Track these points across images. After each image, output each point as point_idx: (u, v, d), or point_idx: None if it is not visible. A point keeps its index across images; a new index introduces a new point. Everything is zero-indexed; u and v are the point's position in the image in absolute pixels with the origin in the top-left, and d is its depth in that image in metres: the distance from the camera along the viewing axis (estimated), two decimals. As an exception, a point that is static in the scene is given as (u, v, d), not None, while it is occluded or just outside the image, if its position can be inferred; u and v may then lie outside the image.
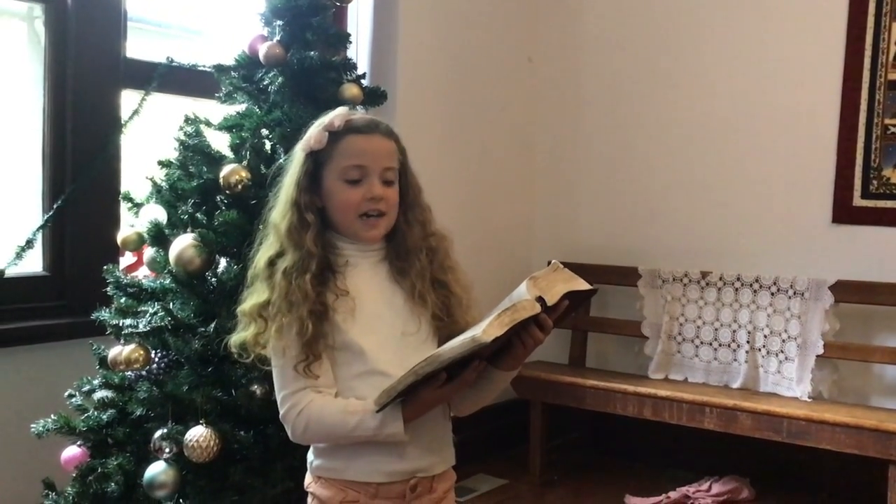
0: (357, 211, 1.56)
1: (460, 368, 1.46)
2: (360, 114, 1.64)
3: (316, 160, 1.58)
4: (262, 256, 1.58)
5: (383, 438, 1.50)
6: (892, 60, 3.25)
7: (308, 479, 1.63)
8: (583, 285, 1.50)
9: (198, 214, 2.11)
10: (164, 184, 2.18)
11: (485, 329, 1.35)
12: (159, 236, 2.11)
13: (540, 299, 1.42)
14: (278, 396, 1.55)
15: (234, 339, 1.58)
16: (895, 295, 3.12)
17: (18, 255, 2.42)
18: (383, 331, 1.56)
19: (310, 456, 1.63)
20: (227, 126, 2.19)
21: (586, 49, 3.93)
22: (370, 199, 1.55)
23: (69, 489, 2.05)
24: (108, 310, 2.14)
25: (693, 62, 3.66)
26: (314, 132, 1.58)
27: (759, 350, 3.30)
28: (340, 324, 1.53)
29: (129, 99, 2.65)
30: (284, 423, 1.55)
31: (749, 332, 3.33)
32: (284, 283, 1.52)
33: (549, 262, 1.54)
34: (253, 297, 1.56)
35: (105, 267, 2.17)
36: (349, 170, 1.56)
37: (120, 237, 2.23)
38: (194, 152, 2.16)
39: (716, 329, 3.41)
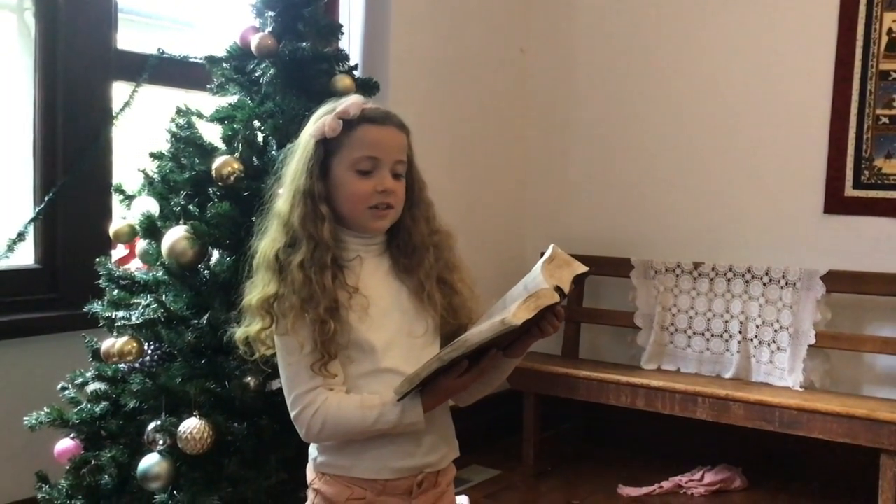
0: (367, 203, 1.52)
1: (476, 358, 1.46)
2: (372, 104, 1.59)
3: (326, 148, 1.53)
4: (268, 247, 1.52)
5: (403, 429, 1.48)
6: (884, 50, 3.25)
7: (311, 475, 1.60)
8: (581, 268, 1.50)
9: (190, 206, 2.10)
10: (156, 176, 2.18)
11: (514, 313, 1.36)
12: (151, 228, 2.11)
13: (557, 288, 1.43)
14: (289, 396, 1.51)
15: (239, 334, 1.54)
16: (886, 285, 3.14)
17: (10, 248, 2.42)
18: (392, 328, 1.53)
19: (313, 452, 1.59)
20: (219, 117, 2.19)
21: (578, 40, 3.92)
22: (381, 192, 1.52)
23: (63, 482, 2.05)
24: (100, 302, 2.14)
25: (684, 53, 3.66)
26: (328, 120, 1.52)
27: (751, 340, 3.31)
28: (354, 322, 1.50)
29: (120, 91, 2.64)
30: (297, 424, 1.51)
31: (741, 323, 3.34)
32: (301, 277, 1.47)
33: (551, 247, 1.53)
34: (258, 290, 1.51)
35: (97, 259, 2.16)
36: (362, 160, 1.52)
37: (112, 229, 2.22)
38: (186, 144, 2.15)
39: (708, 319, 3.42)
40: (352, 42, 3.29)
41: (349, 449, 1.53)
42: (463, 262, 1.65)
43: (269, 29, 2.24)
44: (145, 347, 2.03)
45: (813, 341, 3.17)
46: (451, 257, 1.63)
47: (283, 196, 1.55)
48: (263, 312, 1.50)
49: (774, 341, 3.25)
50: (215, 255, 2.08)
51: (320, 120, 1.54)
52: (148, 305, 2.03)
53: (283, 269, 1.50)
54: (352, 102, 1.54)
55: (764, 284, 3.31)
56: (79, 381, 2.15)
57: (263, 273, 1.52)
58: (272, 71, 2.20)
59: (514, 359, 1.57)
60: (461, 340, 1.41)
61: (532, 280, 1.46)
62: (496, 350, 1.48)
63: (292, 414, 1.51)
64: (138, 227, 2.13)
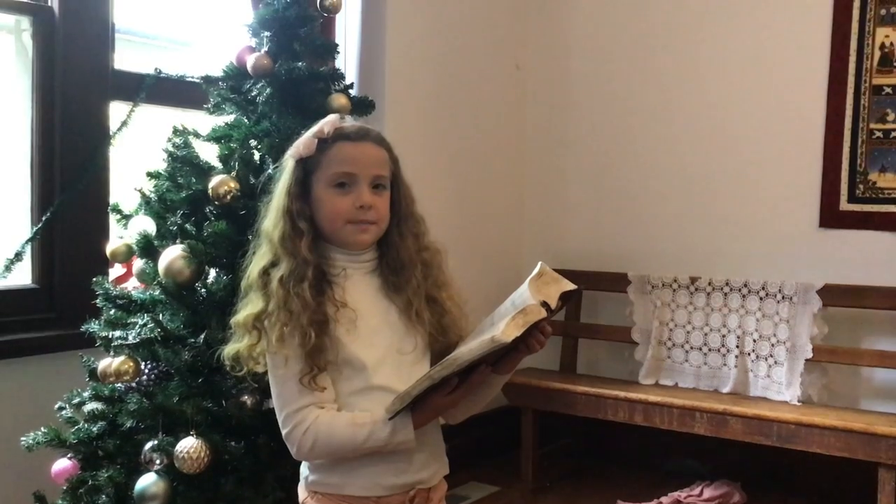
0: (346, 219, 1.53)
1: (466, 374, 1.46)
2: (351, 122, 1.62)
3: (305, 168, 1.56)
4: (255, 266, 1.55)
5: (393, 447, 1.49)
6: (877, 65, 3.27)
7: (302, 494, 1.60)
8: (569, 286, 1.51)
9: (187, 225, 2.11)
10: (152, 195, 2.18)
11: (503, 330, 1.37)
12: (148, 248, 2.11)
13: (544, 304, 1.44)
14: (280, 415, 1.51)
15: (228, 350, 1.55)
16: (882, 298, 3.15)
17: (7, 268, 2.42)
18: (382, 346, 1.54)
19: (304, 470, 1.60)
20: (216, 137, 2.20)
21: (573, 56, 3.95)
22: (359, 208, 1.53)
23: (60, 502, 2.05)
24: (97, 322, 2.14)
25: (680, 69, 3.68)
26: (303, 139, 1.56)
27: (749, 354, 3.31)
28: (342, 337, 1.51)
29: (117, 110, 2.65)
30: (289, 442, 1.51)
31: (738, 337, 3.34)
32: (282, 292, 1.49)
33: (539, 265, 1.54)
34: (247, 308, 1.52)
35: (94, 279, 2.17)
36: (338, 176, 1.54)
37: (109, 249, 2.23)
38: (183, 163, 2.16)
39: (705, 334, 3.42)
40: (347, 61, 3.31)
41: (340, 467, 1.53)
42: (453, 280, 1.66)
43: (265, 49, 2.26)
44: (142, 367, 2.03)
45: (810, 355, 3.17)
46: (440, 275, 1.63)
47: (269, 216, 1.58)
48: (251, 328, 1.51)
49: (772, 355, 3.26)
50: (212, 273, 2.08)
51: (298, 140, 1.58)
52: (145, 325, 2.03)
53: (266, 286, 1.52)
54: (326, 121, 1.57)
55: (760, 299, 3.32)
56: (76, 400, 2.14)
57: (252, 292, 1.54)
58: (268, 90, 2.21)
59: (502, 375, 1.57)
60: (451, 359, 1.42)
61: (519, 296, 1.46)
62: (485, 366, 1.48)
63: (283, 432, 1.51)
64: (135, 247, 2.14)
